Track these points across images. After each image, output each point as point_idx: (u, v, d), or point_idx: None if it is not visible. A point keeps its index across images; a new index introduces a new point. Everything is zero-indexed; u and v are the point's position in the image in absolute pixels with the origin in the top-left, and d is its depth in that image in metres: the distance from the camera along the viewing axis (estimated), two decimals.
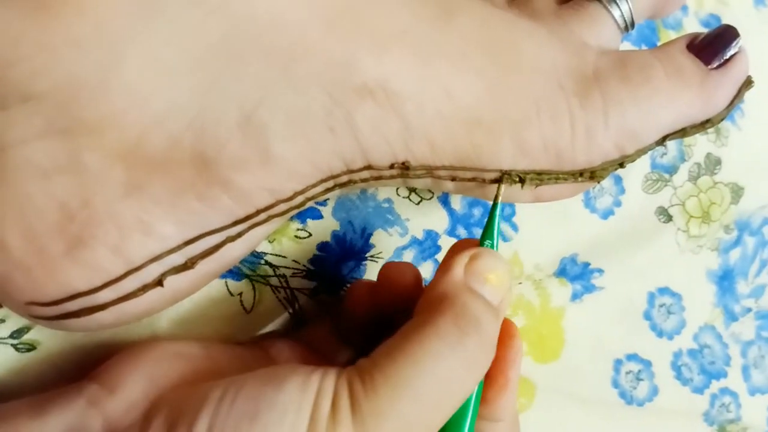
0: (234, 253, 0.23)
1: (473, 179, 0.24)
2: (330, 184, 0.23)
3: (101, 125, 0.20)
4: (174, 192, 0.21)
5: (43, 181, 0.20)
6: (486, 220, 0.24)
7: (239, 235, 0.22)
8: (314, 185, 0.23)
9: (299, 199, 0.23)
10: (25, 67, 0.19)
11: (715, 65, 0.25)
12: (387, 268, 0.25)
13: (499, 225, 0.24)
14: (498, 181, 0.24)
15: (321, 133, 0.22)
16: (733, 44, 0.25)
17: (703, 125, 0.26)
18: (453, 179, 0.24)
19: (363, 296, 0.25)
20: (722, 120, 0.26)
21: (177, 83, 0.20)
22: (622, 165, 0.25)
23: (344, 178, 0.23)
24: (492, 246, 0.23)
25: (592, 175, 0.25)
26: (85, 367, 0.24)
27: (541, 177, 0.24)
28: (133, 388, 0.21)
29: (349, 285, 0.30)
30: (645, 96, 0.24)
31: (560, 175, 0.25)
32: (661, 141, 0.26)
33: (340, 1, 0.21)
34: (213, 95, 0.21)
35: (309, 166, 0.22)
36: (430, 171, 0.24)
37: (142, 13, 0.19)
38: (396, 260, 0.30)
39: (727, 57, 0.25)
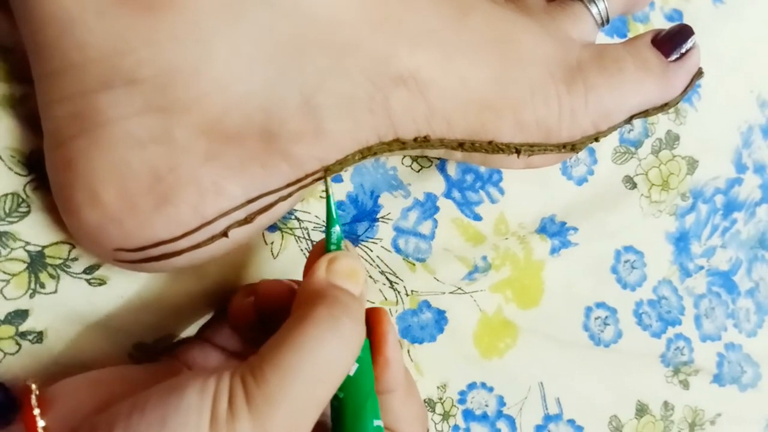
0: (282, 209, 0.27)
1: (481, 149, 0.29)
2: (364, 153, 0.27)
3: (190, 105, 0.24)
4: (243, 160, 0.25)
5: (140, 149, 0.23)
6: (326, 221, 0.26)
7: (289, 195, 0.26)
8: (353, 154, 0.27)
9: (338, 166, 0.27)
10: (132, 57, 0.23)
11: (673, 58, 0.30)
12: (264, 285, 0.27)
13: (337, 218, 0.26)
14: (323, 179, 0.26)
15: (363, 113, 0.26)
16: (689, 40, 0.30)
17: (662, 107, 0.31)
18: (462, 150, 0.29)
19: (246, 311, 0.27)
20: (678, 103, 0.31)
21: (253, 73, 0.24)
22: (596, 139, 0.30)
23: (376, 149, 0.28)
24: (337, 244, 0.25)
25: (573, 147, 0.30)
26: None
27: (532, 148, 0.29)
28: (55, 421, 0.22)
29: (362, 243, 0.34)
30: (617, 84, 0.29)
31: (548, 147, 0.29)
32: (629, 120, 0.31)
33: (385, 8, 0.26)
34: (280, 82, 0.25)
35: (351, 139, 0.26)
36: (443, 143, 0.28)
37: (229, 15, 0.23)
38: (402, 220, 0.35)
39: (684, 51, 0.30)
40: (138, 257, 0.25)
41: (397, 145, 0.28)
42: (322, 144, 0.26)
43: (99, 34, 0.22)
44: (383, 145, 0.28)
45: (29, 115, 0.26)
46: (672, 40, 0.30)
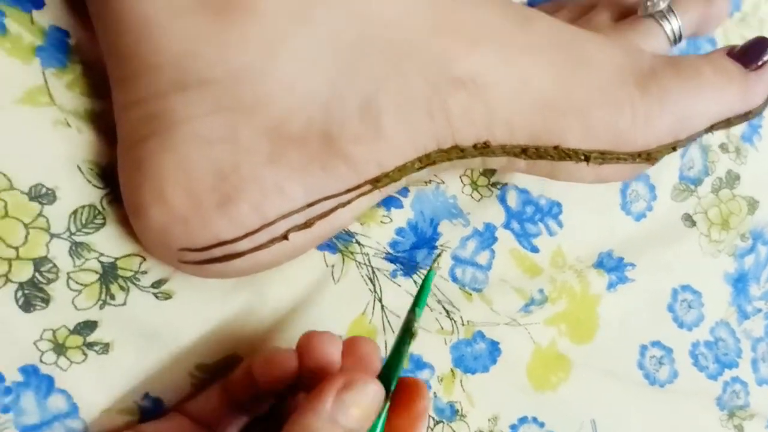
0: (341, 219, 0.27)
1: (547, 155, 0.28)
2: (423, 162, 0.27)
3: (256, 105, 0.24)
4: (305, 162, 0.25)
5: (206, 149, 0.24)
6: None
7: (348, 202, 0.26)
8: (412, 162, 0.27)
9: (398, 173, 0.27)
10: (204, 58, 0.23)
11: (753, 68, 0.29)
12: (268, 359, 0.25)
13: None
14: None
15: (421, 117, 0.26)
16: (767, 51, 0.29)
17: (745, 116, 0.29)
18: (525, 157, 0.28)
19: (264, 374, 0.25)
20: (760, 113, 0.30)
21: (317, 74, 0.25)
22: (674, 149, 0.29)
23: (435, 157, 0.27)
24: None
25: (648, 156, 0.28)
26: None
27: (603, 156, 0.28)
28: None
29: (421, 271, 0.34)
30: (695, 88, 0.28)
31: (621, 156, 0.28)
32: (709, 129, 0.29)
33: (446, 10, 0.26)
34: (342, 84, 0.25)
35: (410, 144, 0.26)
36: (505, 149, 0.28)
37: (297, 17, 0.24)
38: (461, 249, 0.34)
39: (763, 61, 0.29)
40: (201, 257, 0.25)
41: (456, 152, 0.28)
42: (381, 147, 0.26)
43: (174, 37, 0.23)
44: (442, 153, 0.27)
45: (107, 130, 0.27)
46: (749, 51, 0.29)
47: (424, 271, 0.34)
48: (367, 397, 0.22)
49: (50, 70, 0.26)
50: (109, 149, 0.27)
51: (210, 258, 0.25)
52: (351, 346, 0.25)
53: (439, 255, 0.27)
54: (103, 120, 0.27)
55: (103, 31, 0.25)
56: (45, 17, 0.26)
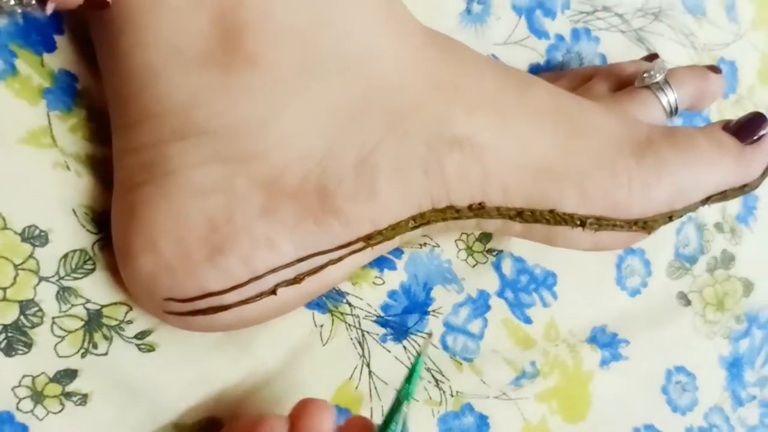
0: (332, 276, 0.27)
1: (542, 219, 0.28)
2: (417, 221, 0.27)
3: (255, 158, 0.24)
4: (298, 217, 0.25)
5: (200, 198, 0.24)
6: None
7: (339, 259, 0.26)
8: (406, 220, 0.27)
9: (391, 232, 0.27)
10: (207, 109, 0.24)
11: (748, 142, 0.29)
12: None
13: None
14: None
15: (417, 175, 0.26)
16: (764, 126, 0.29)
17: (741, 189, 0.29)
18: (521, 220, 0.28)
19: None
20: (758, 187, 0.30)
21: (317, 130, 0.25)
22: (670, 218, 0.29)
23: (429, 216, 0.27)
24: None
25: (645, 225, 0.28)
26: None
27: (599, 222, 0.28)
28: None
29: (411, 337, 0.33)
30: (691, 159, 0.28)
31: (617, 223, 0.28)
32: (705, 201, 0.29)
33: (444, 73, 0.27)
34: (340, 140, 0.25)
35: (404, 202, 0.26)
36: (500, 212, 0.28)
37: (302, 73, 0.24)
38: (453, 315, 0.34)
39: (759, 136, 0.29)
40: (186, 308, 0.25)
41: (451, 213, 0.28)
42: (376, 204, 0.26)
43: (179, 87, 0.23)
44: (437, 213, 0.27)
45: (106, 175, 0.27)
46: (745, 126, 0.29)
47: (414, 338, 0.33)
48: None
49: (55, 112, 0.26)
50: (106, 195, 0.27)
51: (195, 309, 0.25)
52: (349, 428, 0.25)
53: (429, 335, 0.28)
54: (103, 166, 0.27)
55: (108, 77, 0.25)
56: (55, 61, 0.26)
